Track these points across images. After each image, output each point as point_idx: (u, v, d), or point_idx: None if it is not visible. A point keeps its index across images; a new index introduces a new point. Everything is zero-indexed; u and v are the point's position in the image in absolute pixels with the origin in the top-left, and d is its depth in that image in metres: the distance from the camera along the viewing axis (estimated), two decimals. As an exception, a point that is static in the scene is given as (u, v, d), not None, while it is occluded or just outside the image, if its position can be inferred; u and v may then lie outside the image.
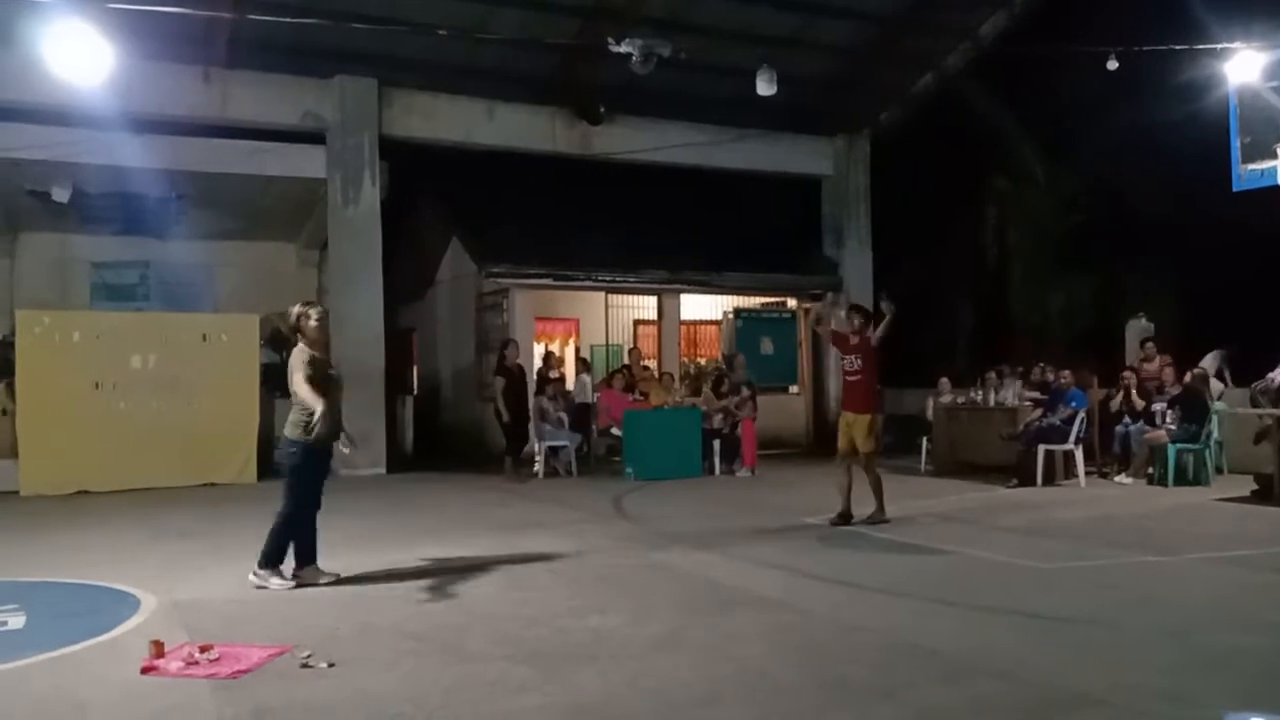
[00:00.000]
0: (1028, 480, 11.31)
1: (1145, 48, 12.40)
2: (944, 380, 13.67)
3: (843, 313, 9.23)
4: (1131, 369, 12.79)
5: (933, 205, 17.80)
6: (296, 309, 6.78)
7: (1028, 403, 12.33)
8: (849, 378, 9.09)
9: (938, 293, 18.69)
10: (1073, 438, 11.41)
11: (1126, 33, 12.86)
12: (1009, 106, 17.52)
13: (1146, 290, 15.84)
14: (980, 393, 12.96)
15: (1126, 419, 12.12)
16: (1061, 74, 14.97)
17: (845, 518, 8.81)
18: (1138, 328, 14.68)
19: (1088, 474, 11.52)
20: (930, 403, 13.45)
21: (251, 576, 6.54)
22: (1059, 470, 11.60)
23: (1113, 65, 12.48)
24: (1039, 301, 18.03)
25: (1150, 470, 11.53)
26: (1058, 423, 11.56)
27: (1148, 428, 11.79)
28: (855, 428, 8.87)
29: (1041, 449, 11.44)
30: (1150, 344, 13.42)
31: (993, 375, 13.08)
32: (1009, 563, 7.20)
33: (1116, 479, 11.72)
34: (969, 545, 7.84)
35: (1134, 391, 12.18)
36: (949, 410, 13.15)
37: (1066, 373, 12.12)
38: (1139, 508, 9.85)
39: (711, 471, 13.03)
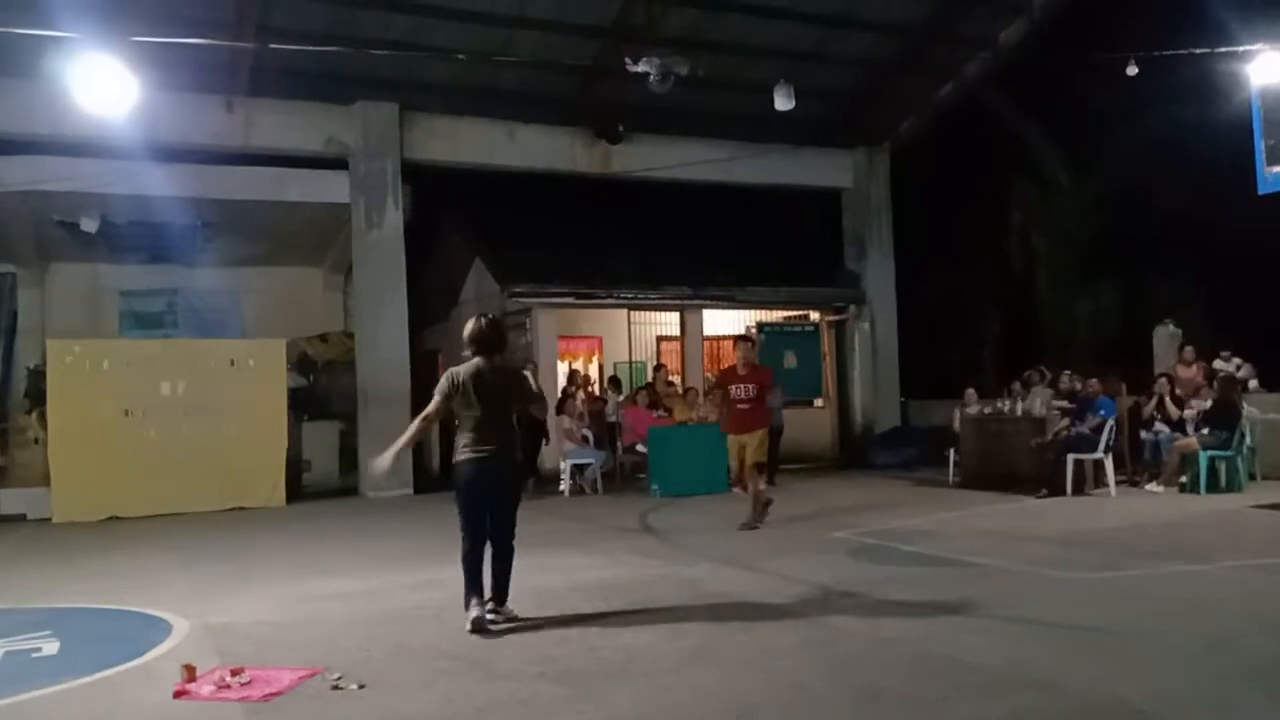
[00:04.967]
0: (1057, 490, 11.20)
1: (1166, 52, 12.34)
2: (970, 391, 13.56)
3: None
4: (1166, 375, 12.65)
5: (955, 215, 17.74)
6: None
7: (1056, 412, 12.22)
8: (740, 405, 9.60)
9: (963, 303, 18.62)
10: (1102, 446, 11.30)
11: (1148, 36, 12.81)
12: (1031, 113, 17.46)
13: (1173, 296, 15.71)
14: (1007, 403, 12.86)
15: (1157, 427, 12.00)
16: (1083, 79, 14.90)
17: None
18: (1166, 334, 14.55)
19: (1118, 483, 11.39)
20: (957, 414, 13.36)
21: (494, 615, 5.89)
22: (1089, 480, 11.49)
23: (1132, 71, 12.43)
24: (1065, 309, 17.93)
25: (1182, 478, 11.38)
26: (1087, 431, 11.45)
27: (1178, 435, 11.66)
28: (752, 444, 9.52)
29: (1071, 458, 11.33)
30: (1189, 349, 13.31)
31: (1018, 385, 12.97)
32: (1041, 574, 7.12)
33: (1147, 487, 11.59)
34: (1000, 557, 7.76)
35: (1168, 399, 12.05)
36: (976, 421, 13.06)
37: (1095, 380, 12.02)
38: (1171, 516, 9.73)
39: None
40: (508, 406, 6.05)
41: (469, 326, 6.08)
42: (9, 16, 10.03)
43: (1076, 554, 7.90)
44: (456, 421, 6.00)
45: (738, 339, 10.39)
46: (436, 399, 5.98)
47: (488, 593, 5.92)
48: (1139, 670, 4.75)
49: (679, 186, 16.58)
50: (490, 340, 6.03)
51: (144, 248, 15.89)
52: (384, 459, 6.03)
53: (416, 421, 6.08)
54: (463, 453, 5.91)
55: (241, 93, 13.41)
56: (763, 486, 12.77)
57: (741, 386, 9.64)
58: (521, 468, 6.68)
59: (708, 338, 17.98)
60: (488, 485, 5.92)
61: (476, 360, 5.98)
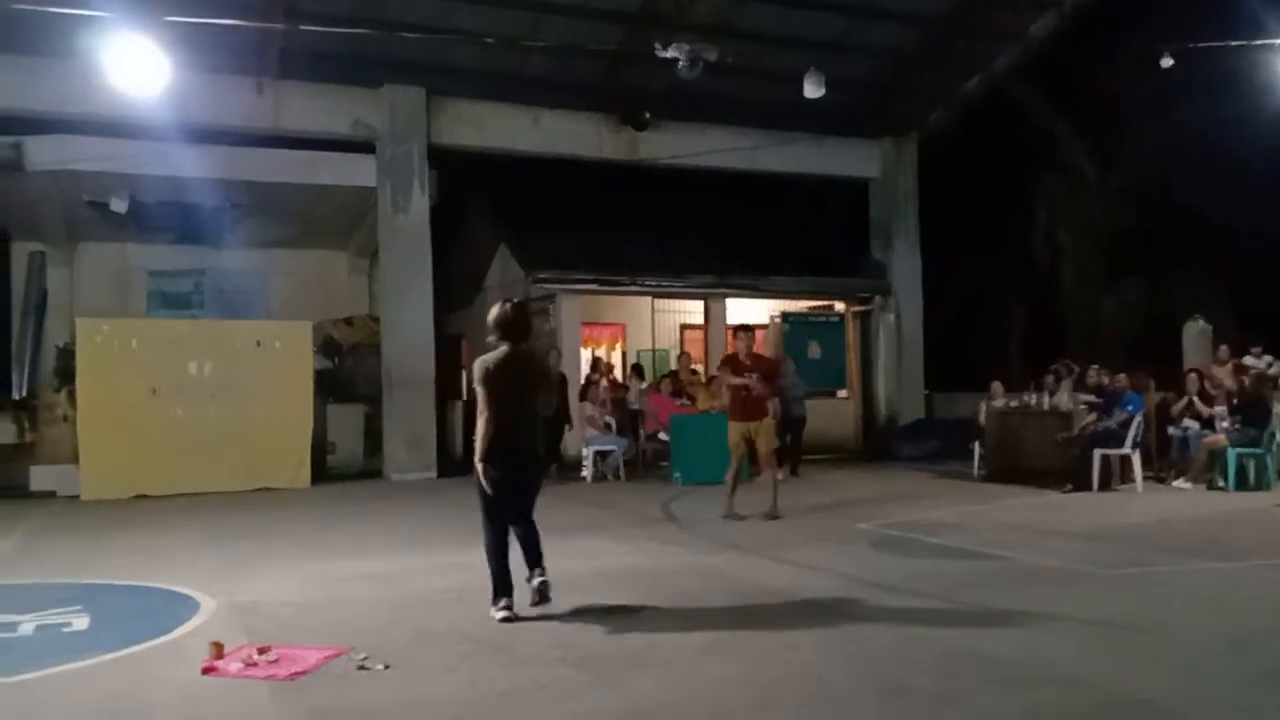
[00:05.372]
0: (1083, 485, 11.13)
1: (1199, 45, 12.18)
2: (996, 384, 13.49)
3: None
4: (1197, 371, 12.51)
5: (983, 207, 17.62)
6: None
7: (1083, 406, 12.12)
8: (744, 392, 9.67)
9: (988, 296, 18.51)
10: (1130, 442, 11.21)
11: (1181, 29, 12.64)
12: (1059, 106, 17.30)
13: (1201, 291, 15.55)
14: (1034, 396, 12.77)
15: (1185, 423, 11.89)
16: (1113, 72, 14.76)
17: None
18: (1196, 330, 14.41)
19: (1145, 479, 11.31)
20: (983, 407, 13.29)
21: (542, 580, 5.89)
22: (1115, 475, 11.41)
23: (1167, 64, 12.27)
24: (1091, 304, 17.79)
25: (1210, 475, 11.28)
26: (1114, 426, 11.36)
27: (1206, 431, 11.55)
28: (761, 432, 9.63)
29: (1098, 453, 11.25)
30: (1224, 347, 13.19)
31: (1050, 378, 12.88)
32: (1065, 568, 7.08)
33: (1174, 484, 11.49)
34: (1025, 551, 7.72)
35: (1196, 397, 11.92)
36: (1002, 414, 12.98)
37: (1123, 376, 11.92)
38: (1198, 513, 9.65)
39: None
40: (533, 396, 5.97)
41: (494, 311, 5.98)
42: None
43: (1102, 549, 7.85)
44: (480, 409, 5.85)
45: (737, 329, 10.41)
46: (482, 390, 5.81)
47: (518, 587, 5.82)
48: (1162, 667, 4.72)
49: (704, 174, 16.56)
50: (516, 326, 5.93)
51: (172, 228, 15.98)
52: (483, 479, 5.77)
53: (481, 424, 5.79)
54: (487, 442, 5.78)
55: (271, 75, 13.47)
56: (780, 476, 12.89)
57: (749, 377, 9.71)
58: (544, 460, 6.51)
59: (731, 326, 17.94)
60: (512, 476, 5.81)
61: (504, 347, 5.89)
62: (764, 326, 18.56)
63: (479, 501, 5.88)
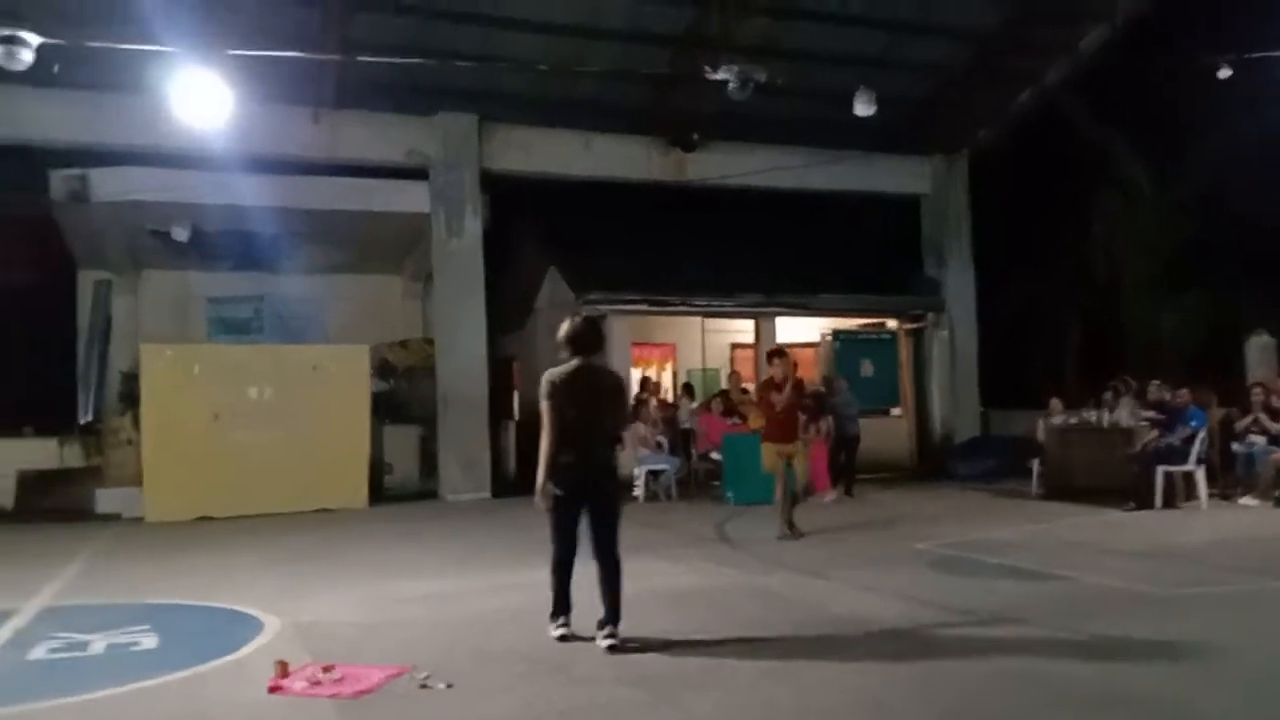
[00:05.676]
0: (1146, 503, 10.92)
1: (1257, 54, 11.97)
2: (1055, 401, 13.28)
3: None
4: (1262, 385, 12.23)
5: (1036, 222, 17.41)
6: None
7: (1144, 422, 11.90)
8: (781, 414, 9.82)
9: (1043, 312, 18.25)
10: (1193, 458, 10.99)
11: (1239, 37, 12.43)
12: (1113, 118, 17.05)
13: (1264, 304, 15.20)
14: (1094, 413, 12.56)
15: (1251, 438, 11.62)
16: (1168, 83, 14.51)
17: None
18: (1259, 344, 14.10)
19: (1210, 496, 11.06)
20: (1041, 424, 13.09)
21: (611, 640, 5.56)
22: (1179, 492, 11.17)
23: (1225, 74, 12.06)
24: (1149, 318, 17.45)
25: (1277, 493, 11.00)
26: (1177, 443, 11.14)
27: (1273, 448, 11.28)
28: (798, 455, 9.92)
29: (1160, 470, 11.04)
30: None
31: (1109, 395, 12.67)
32: (1130, 589, 6.95)
33: (1240, 501, 11.22)
34: (1087, 571, 7.59)
35: (1263, 412, 11.65)
36: (1061, 431, 12.78)
37: (1185, 391, 11.69)
38: (1265, 531, 9.42)
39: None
40: (604, 412, 5.83)
41: (565, 326, 5.85)
42: (109, 31, 10.46)
43: (1167, 568, 7.70)
44: (545, 426, 5.69)
45: (770, 354, 10.51)
46: (546, 406, 5.66)
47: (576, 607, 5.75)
48: (1227, 689, 4.63)
49: (753, 193, 16.56)
50: (587, 340, 5.81)
51: (232, 255, 16.32)
52: (539, 495, 5.67)
53: (545, 442, 5.65)
54: (550, 458, 5.64)
55: (327, 105, 13.75)
56: (833, 496, 12.90)
57: (778, 396, 9.81)
58: (617, 479, 6.24)
59: (768, 351, 17.87)
60: (583, 494, 5.65)
61: (574, 361, 5.77)
62: (815, 345, 18.51)
63: (550, 523, 5.76)
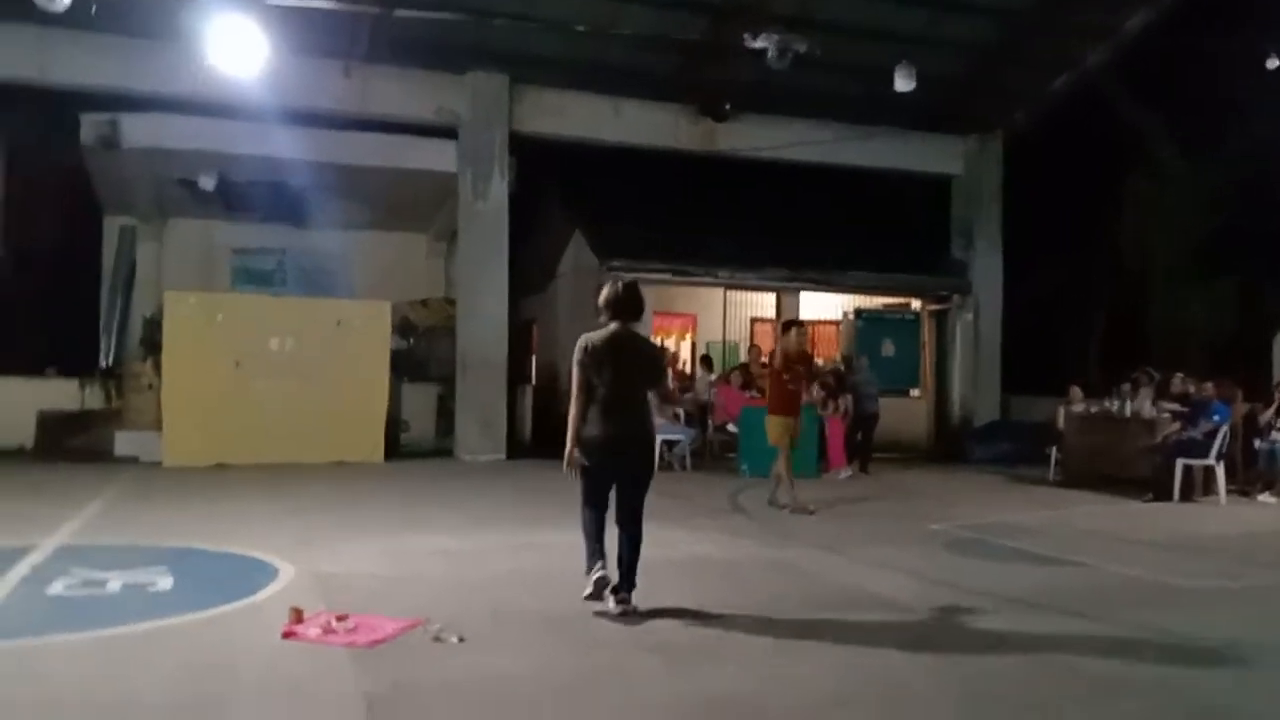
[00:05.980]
0: (1164, 495, 10.84)
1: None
2: (1075, 389, 13.18)
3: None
4: None
5: (1068, 206, 17.19)
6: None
7: (1166, 414, 11.80)
8: (791, 386, 9.89)
9: (1070, 298, 18.06)
10: (1214, 453, 10.88)
11: (1276, 23, 12.18)
12: (1152, 103, 16.77)
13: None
14: (1115, 402, 12.46)
15: (1273, 435, 11.51)
16: (1210, 68, 14.25)
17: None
18: (1289, 339, 13.93)
19: (1228, 492, 10.98)
20: (1061, 411, 13.00)
21: (623, 607, 5.49)
22: (1198, 486, 11.08)
23: (1274, 64, 11.82)
24: (1178, 309, 17.24)
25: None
26: (1199, 437, 11.04)
27: (1296, 445, 11.18)
28: (798, 426, 10.11)
29: (1180, 463, 10.95)
30: None
31: (1128, 386, 12.56)
32: (1146, 578, 6.91)
33: (1259, 498, 11.15)
34: (1104, 559, 7.55)
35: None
36: (1081, 419, 12.69)
37: (1209, 384, 11.57)
38: (1286, 528, 9.36)
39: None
40: (643, 380, 5.69)
41: (605, 290, 5.69)
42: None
43: (1184, 560, 7.65)
44: (575, 391, 5.54)
45: (784, 325, 10.51)
46: (578, 372, 5.49)
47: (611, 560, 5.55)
48: (1246, 681, 4.59)
49: (782, 166, 16.39)
50: (628, 305, 5.62)
51: (258, 207, 16.33)
52: (567, 464, 5.56)
53: (573, 409, 5.51)
54: (590, 427, 5.47)
55: (359, 59, 13.65)
56: (849, 472, 12.88)
57: (795, 369, 9.88)
58: (652, 447, 6.05)
59: (783, 322, 17.81)
60: (617, 463, 5.51)
61: (613, 326, 5.59)
62: (836, 323, 18.42)
63: (581, 490, 5.62)
